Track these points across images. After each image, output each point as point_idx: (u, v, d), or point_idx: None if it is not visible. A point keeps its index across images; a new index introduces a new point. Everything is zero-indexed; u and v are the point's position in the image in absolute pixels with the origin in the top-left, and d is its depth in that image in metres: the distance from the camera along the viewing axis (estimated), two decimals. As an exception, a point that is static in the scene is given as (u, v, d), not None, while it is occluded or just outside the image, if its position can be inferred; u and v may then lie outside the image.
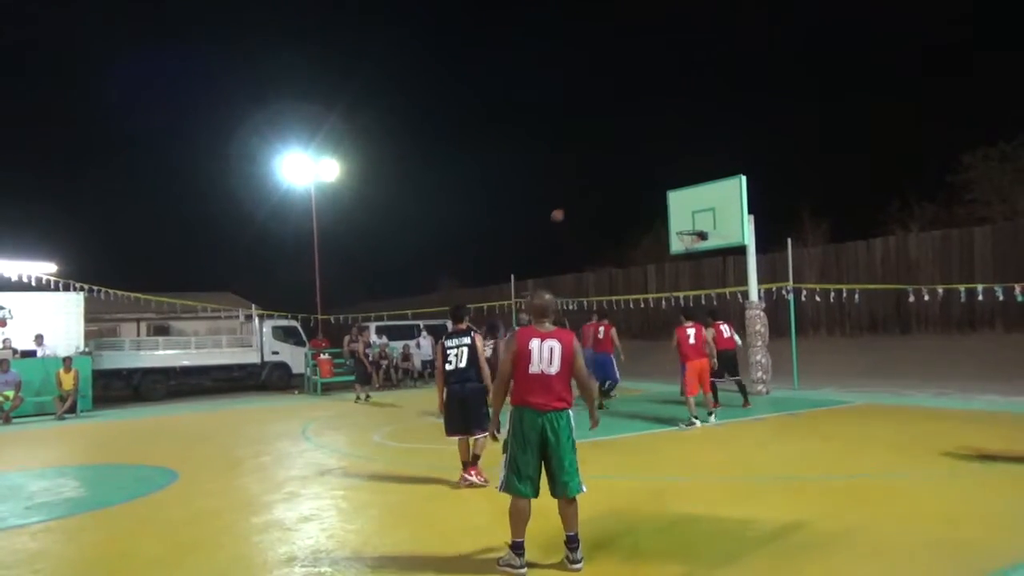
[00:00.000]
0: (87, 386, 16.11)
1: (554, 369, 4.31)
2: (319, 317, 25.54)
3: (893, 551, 4.42)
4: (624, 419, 10.91)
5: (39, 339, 16.35)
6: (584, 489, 4.35)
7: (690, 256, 17.61)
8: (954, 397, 11.64)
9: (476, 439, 6.64)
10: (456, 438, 6.73)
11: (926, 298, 14.73)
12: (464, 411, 6.62)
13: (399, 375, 20.47)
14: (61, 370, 15.17)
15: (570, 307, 20.21)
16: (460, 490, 6.46)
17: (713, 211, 13.35)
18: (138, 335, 27.00)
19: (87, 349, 17.38)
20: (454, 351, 6.66)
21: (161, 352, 20.16)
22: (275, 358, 21.33)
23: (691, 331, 10.15)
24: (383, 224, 61.45)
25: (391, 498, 6.39)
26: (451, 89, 71.70)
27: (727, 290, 17.12)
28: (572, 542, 4.28)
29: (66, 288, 18.53)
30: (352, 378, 17.03)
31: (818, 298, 16.16)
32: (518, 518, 4.25)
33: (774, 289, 15.39)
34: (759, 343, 13.58)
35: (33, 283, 18.27)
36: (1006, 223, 18.19)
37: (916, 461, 7.09)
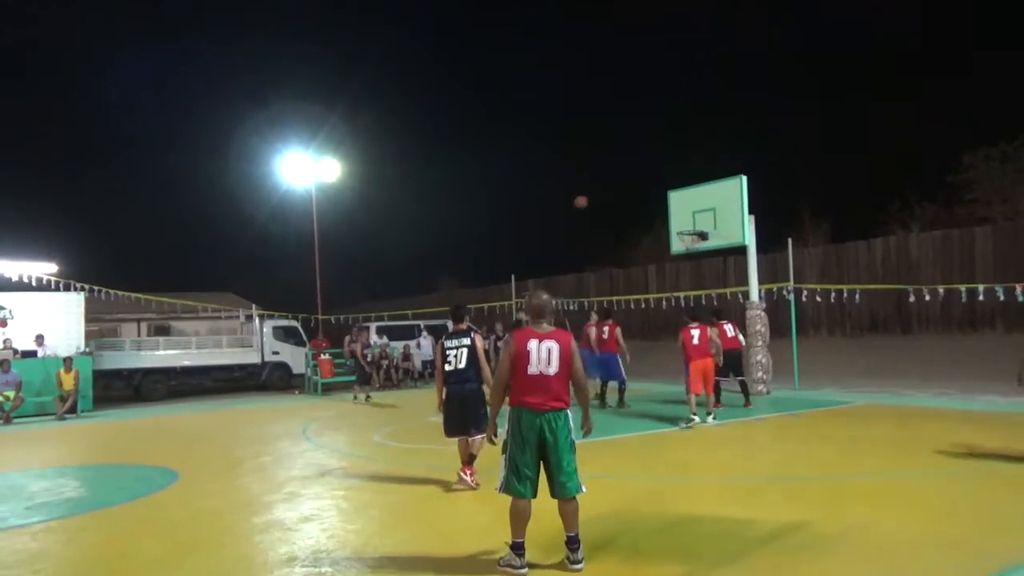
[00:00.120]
0: (88, 386, 16.11)
1: (552, 370, 4.31)
2: (320, 317, 25.54)
3: (893, 551, 4.42)
4: (624, 419, 10.91)
5: (40, 339, 16.36)
6: (583, 489, 4.34)
7: (691, 256, 17.60)
8: (955, 397, 11.64)
9: (474, 439, 6.64)
10: (456, 439, 6.73)
11: (927, 298, 14.72)
12: (463, 411, 6.62)
13: (399, 375, 20.47)
14: (62, 370, 15.18)
15: (570, 307, 20.21)
16: (460, 491, 6.45)
17: (714, 211, 13.34)
18: (139, 335, 27.01)
19: (88, 349, 17.39)
20: (454, 351, 6.65)
21: (162, 352, 20.17)
22: (275, 358, 21.33)
23: (695, 332, 10.20)
24: (384, 224, 61.51)
25: (392, 498, 6.39)
26: (451, 89, 71.79)
27: (728, 290, 17.11)
28: (572, 542, 4.27)
29: (67, 288, 18.54)
30: (353, 378, 17.04)
31: (819, 298, 16.14)
32: (518, 518, 4.25)
33: (775, 289, 15.39)
34: (759, 343, 13.58)
35: (34, 283, 18.28)
36: (1007, 223, 18.18)
37: (916, 461, 7.09)
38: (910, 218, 22.86)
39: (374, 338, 21.02)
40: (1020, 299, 12.98)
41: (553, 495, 4.33)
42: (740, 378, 11.89)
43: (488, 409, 6.31)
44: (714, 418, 10.14)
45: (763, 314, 13.86)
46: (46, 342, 16.47)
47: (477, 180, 67.12)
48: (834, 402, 11.82)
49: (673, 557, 4.46)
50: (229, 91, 74.11)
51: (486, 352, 6.91)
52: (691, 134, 44.77)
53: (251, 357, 21.08)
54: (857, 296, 15.58)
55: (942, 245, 17.49)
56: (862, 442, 8.21)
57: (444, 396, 6.73)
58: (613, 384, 12.45)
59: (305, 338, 22.05)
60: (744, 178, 12.90)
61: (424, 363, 21.29)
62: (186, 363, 20.23)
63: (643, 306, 20.24)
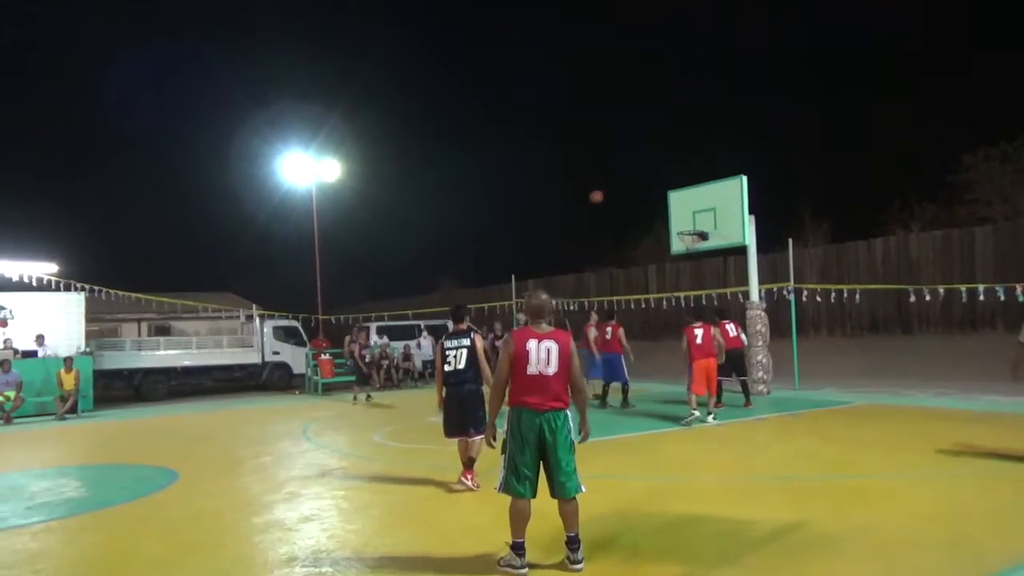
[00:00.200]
0: (88, 386, 16.11)
1: (552, 370, 4.30)
2: (320, 317, 25.54)
3: (893, 551, 4.42)
4: (625, 419, 10.91)
5: (40, 339, 16.36)
6: (583, 489, 4.34)
7: (691, 256, 17.61)
8: (955, 397, 11.64)
9: (472, 440, 6.61)
10: (455, 439, 6.72)
11: (927, 298, 14.72)
12: (462, 412, 6.61)
13: (400, 375, 20.48)
14: (62, 370, 15.18)
15: (571, 307, 20.21)
16: (460, 491, 6.45)
17: (714, 211, 13.34)
18: (139, 335, 27.02)
19: (88, 349, 17.39)
20: (453, 352, 6.63)
21: (162, 352, 20.17)
22: (276, 358, 21.33)
23: (699, 331, 10.24)
24: (384, 224, 61.62)
25: (392, 498, 6.39)
26: (451, 89, 71.81)
27: (728, 290, 17.11)
28: (573, 542, 4.27)
29: (67, 288, 18.54)
30: (353, 378, 17.04)
31: (819, 298, 16.14)
32: (518, 518, 4.25)
33: (775, 289, 15.38)
34: (760, 343, 13.58)
35: (34, 283, 18.29)
36: (1007, 223, 18.19)
37: (916, 461, 7.09)
38: (910, 218, 22.87)
39: (374, 338, 21.02)
40: (1021, 299, 12.97)
41: (553, 495, 4.33)
42: (742, 378, 11.90)
43: (486, 410, 6.31)
44: (714, 418, 10.15)
45: (763, 314, 13.86)
46: (46, 342, 16.47)
47: (477, 180, 67.18)
48: (834, 402, 11.82)
49: (673, 557, 4.46)
50: (229, 91, 74.21)
51: (486, 352, 6.89)
52: (691, 134, 44.80)
53: (251, 357, 21.08)
54: (857, 296, 15.58)
55: (942, 245, 17.50)
56: (862, 442, 8.21)
57: (444, 396, 6.74)
58: (616, 385, 12.45)
59: (305, 338, 22.06)
60: (744, 178, 12.89)
61: (424, 363, 21.30)
62: (186, 363, 20.23)
63: (643, 306, 20.24)
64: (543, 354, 4.30)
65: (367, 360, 16.57)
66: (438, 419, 7.01)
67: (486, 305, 23.02)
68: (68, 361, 15.35)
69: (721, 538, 4.83)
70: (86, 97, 70.05)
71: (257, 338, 21.35)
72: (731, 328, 11.76)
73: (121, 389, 19.62)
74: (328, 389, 19.25)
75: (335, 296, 33.82)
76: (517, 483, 4.25)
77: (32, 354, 16.16)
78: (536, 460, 4.29)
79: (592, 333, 13.21)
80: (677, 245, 14.14)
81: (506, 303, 21.76)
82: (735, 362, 11.65)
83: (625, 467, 7.45)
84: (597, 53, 61.45)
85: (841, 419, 10.14)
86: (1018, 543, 4.51)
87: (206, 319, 26.25)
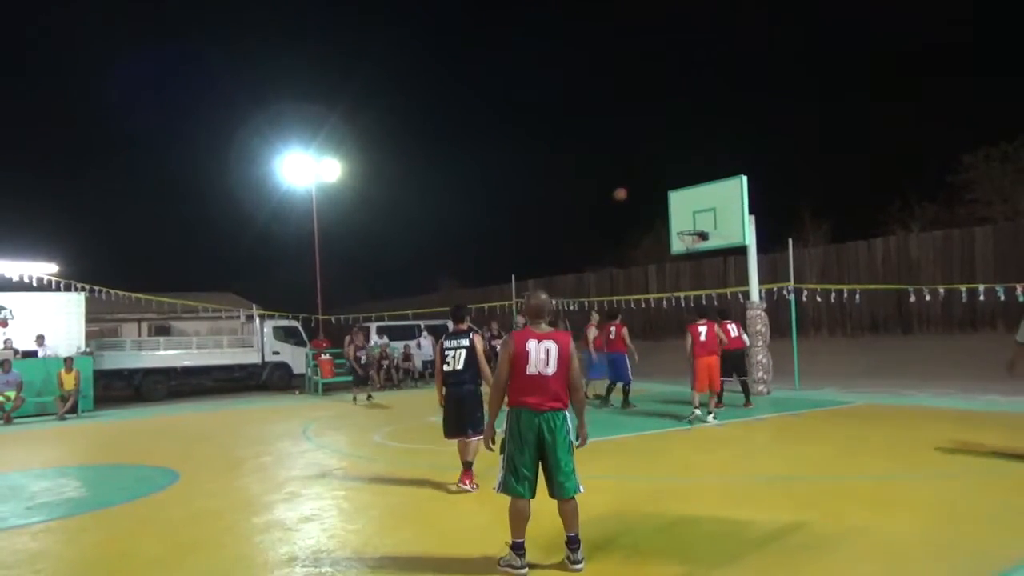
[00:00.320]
0: (88, 386, 16.12)
1: (551, 370, 4.30)
2: (320, 317, 25.54)
3: (893, 551, 4.42)
4: (625, 419, 10.91)
5: (40, 339, 16.37)
6: (581, 490, 4.33)
7: (691, 256, 17.61)
8: (955, 397, 11.63)
9: (469, 441, 6.58)
10: (455, 440, 6.71)
11: (927, 298, 14.71)
12: (459, 412, 6.60)
13: (400, 375, 20.48)
14: (62, 370, 15.19)
15: (571, 307, 20.21)
16: (461, 489, 6.45)
17: (714, 211, 13.34)
18: (139, 335, 27.03)
19: (88, 349, 17.40)
20: (452, 352, 6.62)
21: (162, 352, 20.18)
22: (276, 358, 21.34)
23: (703, 328, 10.29)
24: (384, 224, 61.65)
25: (392, 498, 6.39)
26: (451, 89, 71.84)
27: (728, 290, 17.11)
28: (573, 543, 4.27)
29: (67, 288, 18.55)
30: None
31: (819, 298, 16.14)
32: (518, 518, 4.25)
33: (775, 289, 15.38)
34: (760, 343, 13.58)
35: (34, 283, 18.29)
36: (1007, 223, 18.20)
37: (916, 461, 7.08)
38: (910, 218, 22.87)
39: (374, 338, 21.03)
40: (1021, 299, 12.97)
41: (551, 495, 4.32)
42: (743, 378, 11.90)
43: (484, 411, 6.30)
44: (715, 418, 10.16)
45: (763, 314, 13.86)
46: (47, 342, 16.48)
47: (477, 180, 67.22)
48: (834, 402, 11.82)
49: (673, 557, 4.46)
50: (229, 91, 74.22)
51: (486, 353, 6.87)
52: (691, 134, 44.81)
53: (251, 357, 21.08)
54: (857, 296, 15.58)
55: (942, 245, 17.50)
56: (862, 442, 8.21)
57: (443, 396, 6.73)
58: (618, 384, 12.44)
59: (306, 338, 22.06)
60: (744, 178, 12.89)
61: (424, 363, 21.30)
62: (186, 363, 20.24)
63: (643, 306, 20.24)
64: (542, 354, 4.30)
65: (362, 361, 16.52)
66: (438, 419, 7.01)
67: (486, 305, 23.02)
68: (68, 361, 15.36)
69: (721, 538, 4.83)
70: (86, 97, 70.16)
71: (257, 338, 21.36)
72: (732, 328, 11.77)
73: (121, 389, 19.63)
74: (328, 389, 19.25)
75: (335, 296, 33.85)
76: (516, 483, 4.25)
77: (32, 354, 16.17)
78: (535, 460, 4.29)
79: (592, 333, 13.22)
80: (677, 245, 14.14)
81: (506, 303, 21.77)
82: (736, 362, 11.68)
83: (625, 467, 7.45)
84: (597, 53, 61.54)
85: (841, 419, 10.14)
86: (1018, 543, 4.51)
87: (206, 319, 26.25)
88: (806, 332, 18.61)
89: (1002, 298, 13.46)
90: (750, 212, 12.98)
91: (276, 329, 21.67)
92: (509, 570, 4.21)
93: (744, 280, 14.40)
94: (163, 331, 26.94)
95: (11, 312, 16.66)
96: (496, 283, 27.26)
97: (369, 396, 15.96)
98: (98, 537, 5.58)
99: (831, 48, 47.42)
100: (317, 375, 19.22)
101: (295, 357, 21.39)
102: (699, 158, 29.87)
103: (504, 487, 4.30)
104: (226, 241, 74.81)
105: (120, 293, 19.98)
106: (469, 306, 7.97)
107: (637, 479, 6.90)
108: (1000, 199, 21.27)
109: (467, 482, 6.48)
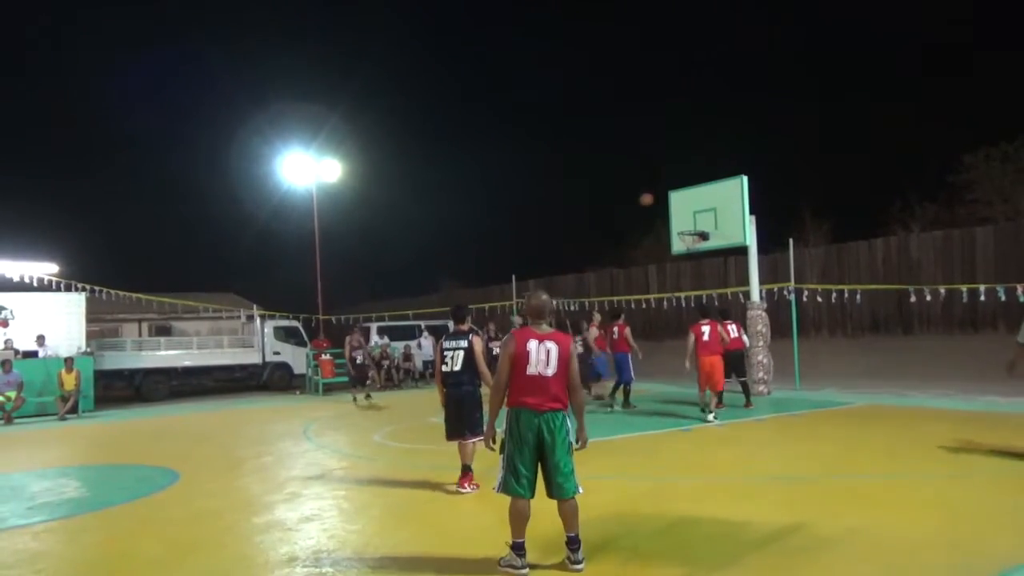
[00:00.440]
0: (89, 386, 16.13)
1: (551, 371, 4.30)
2: (320, 317, 25.53)
3: (894, 552, 4.42)
4: (625, 419, 10.91)
5: (41, 339, 16.38)
6: (580, 490, 4.33)
7: (691, 256, 17.60)
8: (956, 398, 11.63)
9: (465, 444, 6.53)
10: (455, 442, 6.69)
11: (928, 298, 14.71)
12: (459, 414, 6.58)
13: (400, 375, 20.48)
14: (63, 370, 15.19)
15: (571, 308, 20.21)
16: (460, 493, 6.44)
17: (714, 211, 13.34)
18: (140, 335, 27.04)
19: (89, 349, 17.41)
20: (451, 353, 6.59)
21: (163, 352, 20.19)
22: (277, 358, 21.34)
23: (706, 328, 10.35)
24: (385, 224, 61.63)
25: (392, 499, 6.39)
26: (451, 89, 71.88)
27: (728, 290, 17.10)
28: (573, 543, 4.27)
29: (68, 289, 18.57)
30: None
31: (819, 298, 16.14)
32: (518, 518, 4.25)
33: (775, 289, 15.38)
34: (760, 343, 13.58)
35: (35, 284, 18.31)
36: (1008, 223, 18.19)
37: (916, 461, 7.08)
38: (911, 218, 22.87)
39: (375, 338, 21.02)
40: (1021, 299, 12.96)
41: (550, 495, 4.32)
42: (742, 379, 11.91)
43: (483, 412, 6.29)
44: (715, 418, 10.16)
45: (764, 314, 13.86)
46: (47, 342, 16.49)
47: (477, 180, 67.25)
48: (835, 403, 11.82)
49: (673, 558, 4.47)
50: (229, 91, 74.22)
51: (484, 354, 6.78)
52: (691, 134, 44.79)
53: (252, 357, 21.08)
54: (858, 296, 15.58)
55: (943, 245, 17.49)
56: (863, 443, 8.21)
57: (444, 398, 6.72)
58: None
59: (306, 338, 22.06)
60: (745, 178, 12.89)
61: (425, 363, 21.28)
62: (187, 363, 20.24)
63: (644, 306, 20.24)
64: (543, 355, 4.30)
65: (358, 361, 16.50)
66: (439, 419, 7.01)
67: (487, 305, 23.02)
68: (69, 361, 15.36)
69: (721, 539, 4.83)
70: (86, 97, 70.14)
71: (258, 338, 21.36)
72: (732, 328, 11.78)
73: (122, 389, 19.64)
74: (329, 389, 19.25)
75: (336, 296, 33.85)
76: (516, 483, 4.25)
77: (33, 354, 16.18)
78: (534, 460, 4.29)
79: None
80: (678, 245, 14.13)
81: (507, 303, 21.77)
82: (735, 363, 11.68)
83: (625, 467, 7.45)
84: (597, 53, 61.54)
85: (842, 420, 10.14)
86: (1019, 543, 4.51)
87: (207, 319, 26.26)
88: (806, 332, 18.60)
89: (1003, 298, 13.45)
90: (750, 212, 12.98)
91: (277, 329, 21.68)
92: (510, 570, 4.21)
93: (745, 280, 14.40)
94: (164, 331, 26.95)
95: (12, 312, 16.66)
96: (496, 283, 27.27)
97: (368, 396, 15.93)
98: (99, 537, 5.59)
99: (831, 48, 47.43)
100: (318, 375, 19.22)
101: (296, 357, 21.39)
102: (699, 158, 29.90)
103: (504, 487, 4.30)
104: (226, 241, 74.95)
105: (120, 293, 20.00)
106: (470, 306, 7.95)
107: (637, 479, 6.90)
108: (1000, 199, 21.27)
109: (466, 485, 6.47)
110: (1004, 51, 35.02)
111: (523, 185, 60.39)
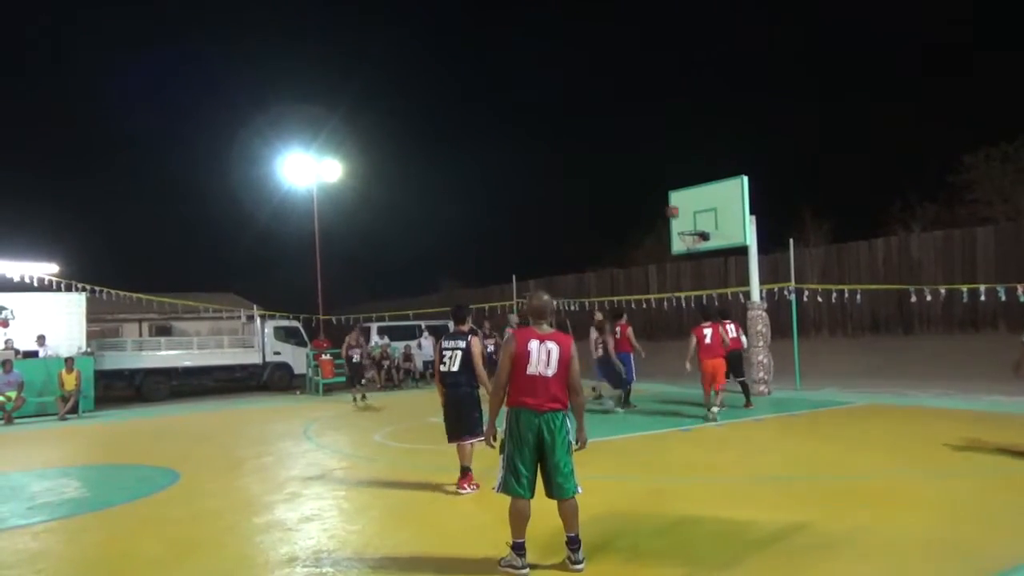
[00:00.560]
0: (89, 386, 16.13)
1: (551, 371, 4.30)
2: (321, 318, 25.53)
3: (893, 551, 4.42)
4: (625, 420, 10.91)
5: (41, 339, 16.38)
6: (580, 491, 4.33)
7: (692, 256, 17.60)
8: (956, 398, 11.62)
9: (463, 445, 6.51)
10: (454, 443, 6.67)
11: (928, 298, 14.71)
12: (457, 415, 6.57)
13: (400, 375, 20.48)
14: (63, 370, 15.20)
15: (571, 308, 20.21)
16: (461, 493, 6.44)
17: (715, 211, 13.34)
18: (140, 335, 27.06)
19: (89, 349, 17.41)
20: (449, 353, 6.57)
21: (163, 352, 20.18)
22: (277, 358, 21.33)
23: (708, 331, 10.40)
24: (385, 224, 61.74)
25: (393, 499, 6.39)
26: (451, 89, 71.94)
27: (729, 290, 17.10)
28: (573, 543, 4.27)
29: (68, 289, 18.57)
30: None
31: (820, 298, 16.14)
32: (518, 518, 4.25)
33: (776, 289, 15.38)
34: (761, 343, 13.58)
35: (35, 284, 18.32)
36: (1008, 223, 18.19)
37: (917, 461, 7.08)
38: (911, 218, 22.87)
39: (375, 338, 21.01)
40: (1022, 299, 12.97)
41: (550, 495, 4.32)
42: (740, 379, 11.91)
43: (482, 412, 6.29)
44: (718, 412, 10.21)
45: (764, 314, 13.86)
46: (48, 342, 16.50)
47: (477, 180, 67.31)
48: (835, 402, 11.81)
49: (674, 558, 4.46)
50: (229, 92, 74.26)
51: (482, 355, 6.67)
52: (691, 134, 44.86)
53: (252, 357, 21.08)
54: (858, 296, 15.57)
55: (943, 245, 17.49)
56: (863, 442, 8.21)
57: (443, 398, 6.71)
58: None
59: (306, 338, 22.06)
60: (745, 178, 12.88)
61: (425, 363, 21.27)
62: (187, 363, 20.24)
63: (644, 306, 20.24)
64: (543, 355, 4.30)
65: (354, 360, 16.47)
66: (439, 419, 7.00)
67: (487, 305, 23.02)
68: (69, 361, 15.37)
69: (721, 539, 4.83)
70: (86, 97, 70.20)
71: (258, 338, 21.36)
72: (731, 329, 11.77)
73: (122, 389, 19.63)
74: (329, 389, 19.25)
75: (336, 296, 33.86)
76: (516, 483, 4.25)
77: (33, 354, 16.18)
78: (534, 460, 4.29)
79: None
80: (678, 245, 14.13)
81: (507, 303, 21.77)
82: (733, 363, 11.66)
83: (625, 467, 7.45)
84: (597, 53, 61.56)
85: (842, 420, 10.14)
86: (1019, 543, 4.51)
87: (207, 319, 26.28)
88: (807, 332, 18.60)
89: (1003, 298, 13.45)
90: (751, 212, 12.98)
91: (277, 329, 21.67)
92: (510, 570, 4.21)
93: (745, 280, 14.39)
94: (164, 331, 26.98)
95: (12, 312, 16.66)
96: (497, 283, 27.28)
97: (363, 397, 15.84)
98: (99, 537, 5.59)
99: (831, 48, 47.47)
100: (318, 375, 19.22)
101: (296, 357, 21.38)
102: (699, 158, 29.92)
103: (504, 487, 4.30)
104: (226, 241, 75.02)
105: (121, 293, 20.00)
106: (470, 306, 7.94)
107: (637, 479, 6.90)
108: (1001, 199, 21.27)
109: (465, 485, 6.46)
110: (1004, 51, 35.05)
111: (523, 185, 60.50)
